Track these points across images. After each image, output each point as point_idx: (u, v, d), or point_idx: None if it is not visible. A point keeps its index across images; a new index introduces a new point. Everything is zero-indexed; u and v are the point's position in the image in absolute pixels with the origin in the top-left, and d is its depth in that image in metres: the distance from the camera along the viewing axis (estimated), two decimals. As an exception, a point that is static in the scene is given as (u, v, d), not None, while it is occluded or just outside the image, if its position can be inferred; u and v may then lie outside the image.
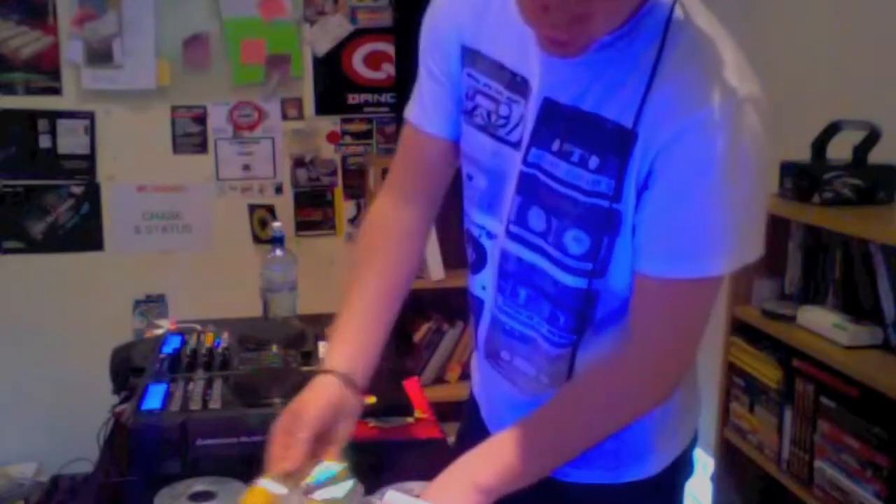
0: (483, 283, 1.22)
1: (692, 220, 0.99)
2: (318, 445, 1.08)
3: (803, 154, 2.01)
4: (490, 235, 1.19)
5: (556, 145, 1.06)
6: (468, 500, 1.03)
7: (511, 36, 1.05)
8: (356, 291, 1.22)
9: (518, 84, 1.10)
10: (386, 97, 3.31)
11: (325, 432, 1.09)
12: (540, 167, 1.08)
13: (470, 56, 1.16)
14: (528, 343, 1.18)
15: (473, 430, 1.36)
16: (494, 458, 1.06)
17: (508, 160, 1.12)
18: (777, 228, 2.10)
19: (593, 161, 1.03)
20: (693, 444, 1.29)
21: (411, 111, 1.26)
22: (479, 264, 1.22)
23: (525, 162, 1.10)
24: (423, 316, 3.18)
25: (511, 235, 1.14)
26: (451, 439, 1.49)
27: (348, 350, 1.17)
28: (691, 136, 0.96)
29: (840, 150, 1.98)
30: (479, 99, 1.15)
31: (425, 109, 1.23)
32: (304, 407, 1.09)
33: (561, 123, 1.06)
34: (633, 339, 1.07)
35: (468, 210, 1.22)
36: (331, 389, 1.11)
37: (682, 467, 1.27)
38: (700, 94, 0.96)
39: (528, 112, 1.09)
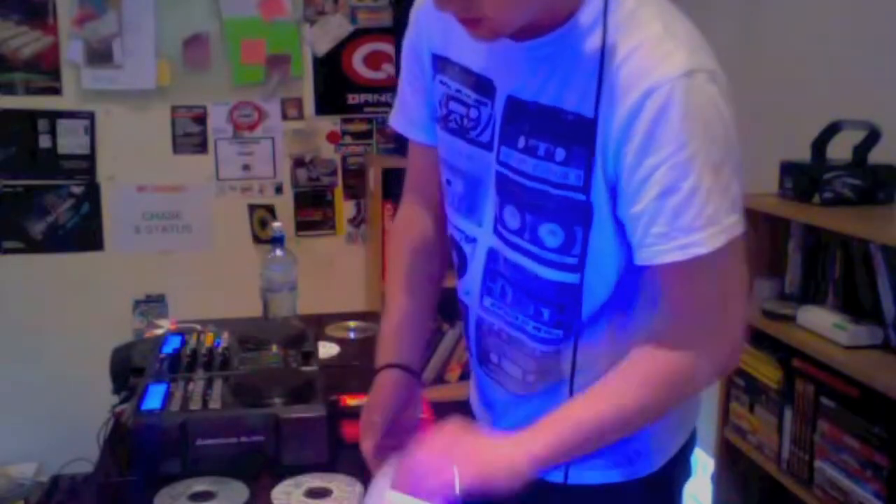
0: (466, 289, 1.23)
1: (664, 200, 0.98)
2: (396, 428, 1.20)
3: (803, 154, 2.01)
4: (469, 239, 1.20)
5: (521, 142, 1.08)
6: (519, 463, 1.01)
7: (468, 39, 1.06)
8: (399, 291, 1.29)
9: (483, 86, 1.12)
10: (386, 97, 3.31)
11: (399, 415, 1.20)
12: (509, 165, 1.10)
13: (440, 63, 1.19)
14: (514, 343, 1.19)
15: None
16: (548, 430, 1.04)
17: (482, 161, 1.14)
18: (777, 228, 2.10)
19: (559, 153, 1.05)
20: (692, 444, 1.29)
21: (396, 120, 1.30)
22: (462, 269, 1.23)
23: (498, 161, 1.12)
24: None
25: (498, 234, 1.15)
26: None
27: (403, 344, 1.26)
28: (646, 113, 0.96)
29: (840, 150, 1.98)
30: (452, 104, 1.17)
31: (412, 120, 1.27)
32: (377, 397, 1.21)
33: (525, 120, 1.07)
34: (665, 321, 1.06)
35: (449, 215, 1.24)
36: (396, 379, 1.22)
37: (680, 467, 1.26)
38: (648, 71, 0.97)
39: (495, 112, 1.11)
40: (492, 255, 1.17)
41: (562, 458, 1.04)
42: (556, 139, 1.04)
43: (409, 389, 1.23)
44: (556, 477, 1.15)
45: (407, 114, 1.27)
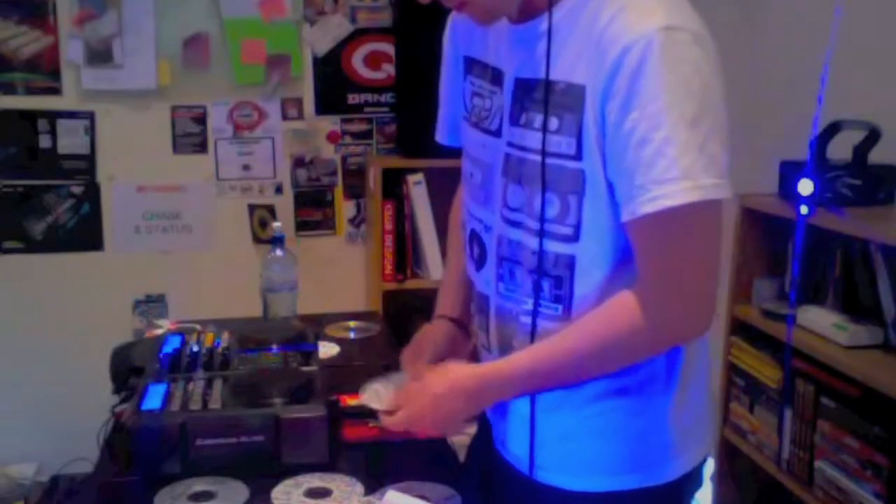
0: (486, 279, 1.25)
1: (640, 151, 0.99)
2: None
3: (803, 154, 2.01)
4: (487, 228, 1.23)
5: (523, 118, 1.13)
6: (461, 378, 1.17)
7: (488, 36, 1.18)
8: (454, 255, 1.43)
9: (495, 76, 1.19)
10: (386, 97, 3.31)
11: (442, 360, 1.29)
12: (513, 144, 1.15)
13: (470, 64, 1.26)
14: (525, 324, 1.19)
15: (482, 452, 1.36)
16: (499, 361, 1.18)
17: (492, 148, 1.19)
18: (777, 228, 2.10)
19: (552, 123, 1.08)
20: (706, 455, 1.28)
21: (440, 136, 1.40)
22: (482, 260, 1.25)
23: (507, 144, 1.16)
24: (423, 315, 3.17)
25: (503, 219, 1.19)
26: (452, 439, 1.49)
27: (457, 300, 1.39)
28: (625, 69, 0.99)
29: (840, 150, 1.98)
30: (476, 100, 1.24)
31: (449, 133, 1.38)
32: (426, 339, 1.36)
33: (527, 97, 1.12)
34: (637, 280, 1.07)
35: (471, 208, 1.28)
36: (445, 329, 1.37)
37: (694, 477, 1.24)
38: (629, 29, 1.00)
39: (504, 98, 1.16)
40: (499, 239, 1.20)
41: (523, 382, 1.14)
42: (550, 109, 1.08)
43: (455, 341, 1.36)
44: (568, 486, 1.17)
45: (448, 127, 1.37)
